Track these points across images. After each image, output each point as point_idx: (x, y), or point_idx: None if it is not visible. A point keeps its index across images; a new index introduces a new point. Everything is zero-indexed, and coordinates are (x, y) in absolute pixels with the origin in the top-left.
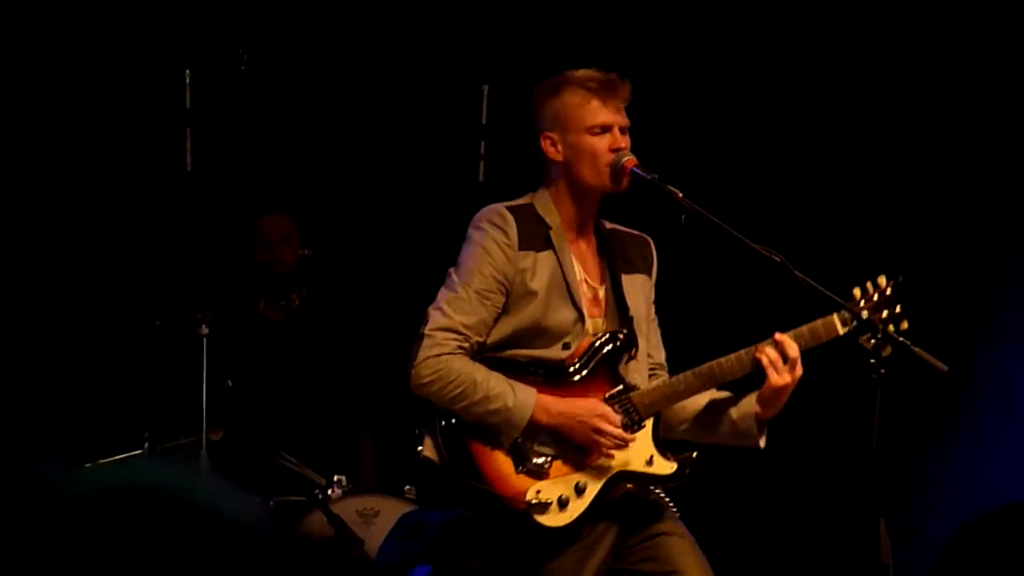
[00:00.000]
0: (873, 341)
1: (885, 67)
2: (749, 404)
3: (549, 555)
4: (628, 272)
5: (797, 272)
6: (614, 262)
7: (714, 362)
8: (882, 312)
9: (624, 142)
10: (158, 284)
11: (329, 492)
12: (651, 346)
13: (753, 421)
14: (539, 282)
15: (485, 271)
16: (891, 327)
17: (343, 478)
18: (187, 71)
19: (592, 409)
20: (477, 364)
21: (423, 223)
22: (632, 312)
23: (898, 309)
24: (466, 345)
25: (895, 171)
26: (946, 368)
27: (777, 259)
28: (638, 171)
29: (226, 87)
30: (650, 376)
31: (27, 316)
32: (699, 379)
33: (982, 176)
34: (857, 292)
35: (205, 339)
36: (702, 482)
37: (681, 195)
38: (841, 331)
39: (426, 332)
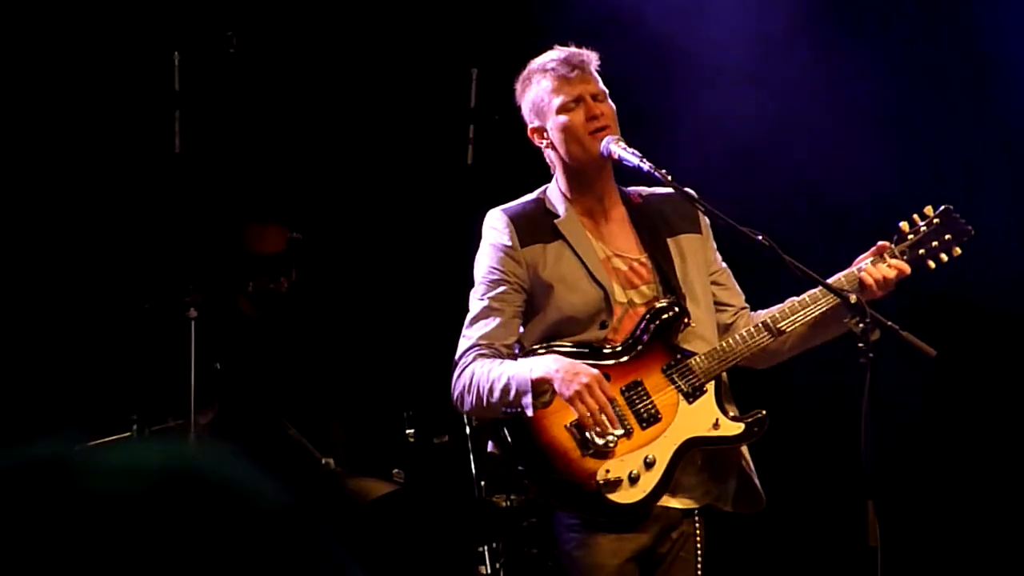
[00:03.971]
0: (861, 325)
1: None
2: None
3: (597, 527)
4: (673, 235)
5: (785, 256)
6: (654, 228)
7: (782, 307)
8: (931, 241)
9: (599, 109)
10: (147, 267)
11: None
12: (727, 295)
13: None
14: (552, 272)
15: (492, 278)
16: (944, 256)
17: (331, 461)
18: (176, 53)
19: (580, 365)
20: (488, 361)
21: (412, 207)
22: (679, 278)
23: (948, 237)
24: (487, 353)
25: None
26: (935, 352)
27: (766, 243)
28: (625, 157)
29: (215, 69)
30: (733, 322)
31: (15, 299)
32: (765, 331)
33: None
34: (905, 225)
35: (193, 322)
36: None
37: (670, 177)
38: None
39: (455, 360)
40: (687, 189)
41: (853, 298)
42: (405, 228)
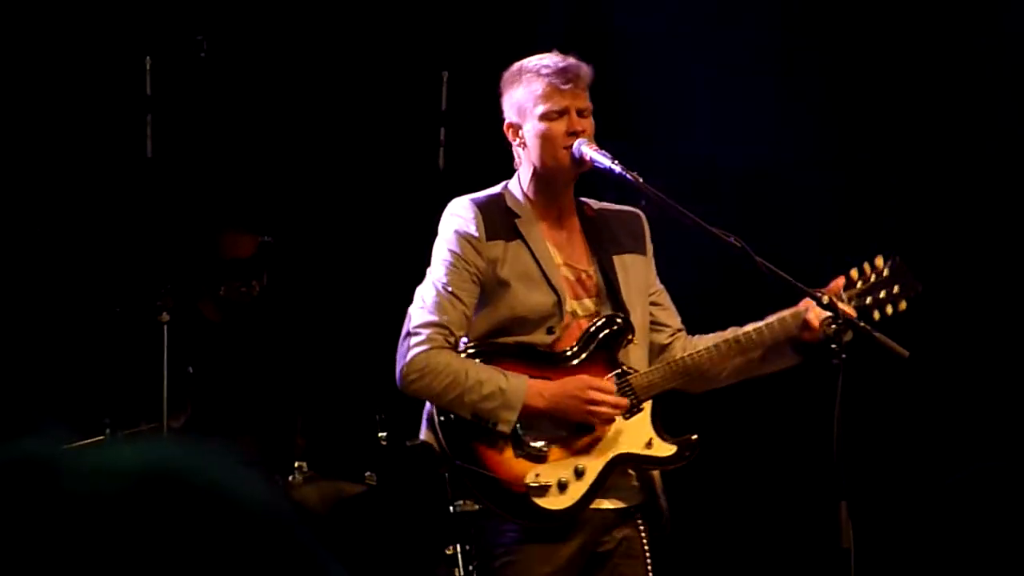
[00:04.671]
0: (834, 326)
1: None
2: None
3: (527, 538)
4: (619, 253)
5: (757, 257)
6: (602, 244)
7: (729, 337)
8: (879, 292)
9: (581, 125)
10: (119, 271)
11: (290, 479)
12: (666, 315)
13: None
14: (510, 271)
15: (455, 265)
16: (889, 308)
17: (304, 464)
18: (147, 58)
19: (583, 382)
20: (463, 356)
21: (383, 211)
22: (624, 295)
23: (896, 289)
24: (451, 340)
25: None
26: (907, 354)
27: (737, 244)
28: (597, 159)
29: (186, 74)
30: (669, 343)
31: None
32: (709, 355)
33: None
34: (854, 273)
35: (166, 326)
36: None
37: (642, 180)
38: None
39: (410, 330)
40: (658, 192)
41: (826, 299)
42: (377, 232)
